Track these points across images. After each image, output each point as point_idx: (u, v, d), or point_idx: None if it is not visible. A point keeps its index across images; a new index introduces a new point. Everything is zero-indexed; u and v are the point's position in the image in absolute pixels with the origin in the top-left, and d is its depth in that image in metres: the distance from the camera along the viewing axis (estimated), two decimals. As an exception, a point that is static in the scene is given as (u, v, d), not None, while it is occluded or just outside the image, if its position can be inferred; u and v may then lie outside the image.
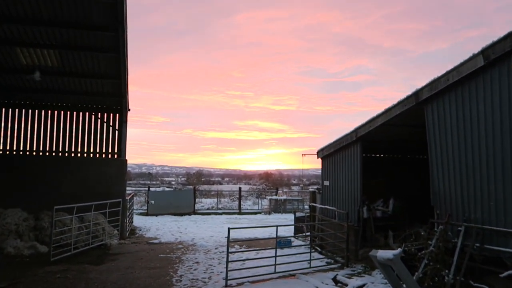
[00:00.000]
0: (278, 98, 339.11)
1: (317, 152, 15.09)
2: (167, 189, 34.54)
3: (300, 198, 28.55)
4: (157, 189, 32.53)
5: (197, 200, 28.84)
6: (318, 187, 18.24)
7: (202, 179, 68.10)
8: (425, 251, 7.56)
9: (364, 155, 14.28)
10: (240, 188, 27.71)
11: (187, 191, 25.96)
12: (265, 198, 29.09)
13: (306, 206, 25.24)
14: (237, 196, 29.08)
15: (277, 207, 25.57)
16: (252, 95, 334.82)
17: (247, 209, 26.82)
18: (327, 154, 14.17)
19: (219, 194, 31.81)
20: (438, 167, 8.39)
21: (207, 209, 26.59)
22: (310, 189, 18.33)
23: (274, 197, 26.48)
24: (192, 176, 61.63)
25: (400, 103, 9.38)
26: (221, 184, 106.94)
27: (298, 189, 45.51)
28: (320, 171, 14.82)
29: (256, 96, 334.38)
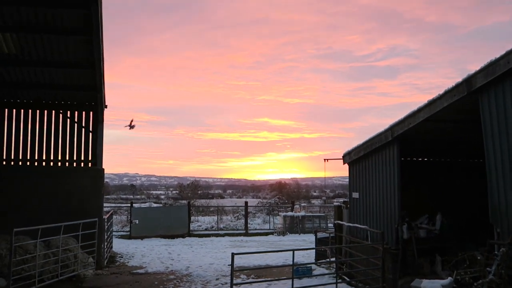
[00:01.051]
0: (292, 89, 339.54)
1: (343, 156, 15.03)
2: (155, 205, 34.68)
3: (323, 214, 28.47)
4: (142, 205, 32.69)
5: (192, 218, 28.89)
6: (345, 200, 18.16)
7: (199, 192, 68.29)
8: (483, 280, 7.47)
9: (402, 159, 14.20)
10: (246, 203, 27.70)
11: (180, 208, 26.03)
12: (278, 215, 29.07)
13: (330, 225, 25.13)
14: (243, 213, 29.08)
15: (293, 226, 25.52)
16: (260, 85, 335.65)
17: (255, 229, 26.82)
18: (355, 159, 14.11)
19: (220, 211, 31.89)
20: (498, 174, 8.27)
21: (205, 229, 26.63)
22: (335, 203, 18.27)
23: (290, 213, 26.45)
24: (186, 189, 61.89)
25: (447, 92, 9.30)
26: (222, 198, 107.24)
27: (320, 203, 45.46)
28: (347, 180, 14.77)
29: (265, 86, 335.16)
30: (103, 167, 15.67)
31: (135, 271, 14.29)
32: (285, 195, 58.41)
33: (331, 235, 15.94)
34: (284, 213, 26.64)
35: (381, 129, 12.34)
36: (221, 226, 27.55)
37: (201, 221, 29.56)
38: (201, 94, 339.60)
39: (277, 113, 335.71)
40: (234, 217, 31.02)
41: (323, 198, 50.03)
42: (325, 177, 34.32)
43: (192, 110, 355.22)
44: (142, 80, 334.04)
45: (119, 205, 48.38)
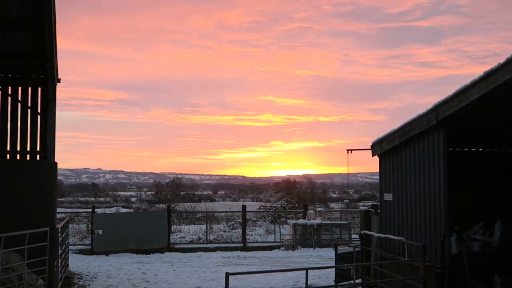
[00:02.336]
0: (304, 57, 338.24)
1: (371, 146, 15.02)
2: (124, 210, 34.60)
3: (345, 222, 28.48)
4: (108, 211, 32.69)
5: (173, 228, 28.91)
6: (374, 203, 18.15)
7: (182, 194, 68.30)
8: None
9: (450, 149, 14.19)
10: (244, 208, 27.75)
11: (157, 214, 26.09)
12: (286, 223, 29.10)
13: (355, 236, 25.14)
14: (240, 220, 29.12)
15: (305, 238, 25.59)
16: (262, 52, 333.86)
17: (256, 242, 26.91)
18: (388, 150, 14.11)
19: (209, 218, 31.93)
20: None
21: (191, 242, 26.70)
22: (361, 208, 18.26)
23: (301, 221, 26.51)
24: (164, 189, 61.89)
25: (510, 62, 9.27)
26: (212, 200, 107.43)
27: (341, 208, 45.45)
28: (377, 177, 14.78)
29: (268, 53, 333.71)
30: (56, 160, 15.69)
31: (98, 297, 14.36)
32: (295, 197, 58.54)
33: (356, 249, 15.96)
34: (294, 221, 26.69)
35: (421, 110, 12.33)
36: (211, 237, 27.60)
37: (185, 231, 29.63)
38: (183, 65, 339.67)
39: (284, 89, 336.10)
40: (228, 226, 31.09)
41: (345, 201, 50.01)
42: (348, 174, 33.67)
43: (172, 86, 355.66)
44: (105, 46, 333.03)
45: (76, 210, 48.45)
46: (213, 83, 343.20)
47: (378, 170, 14.89)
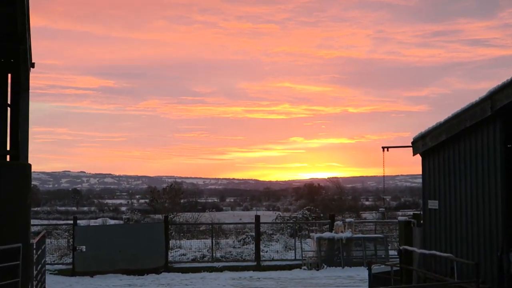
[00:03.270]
0: (329, 35, 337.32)
1: (412, 143, 14.95)
2: (112, 222, 34.51)
3: (380, 235, 28.30)
4: (93, 223, 32.71)
5: (172, 243, 28.89)
6: (416, 212, 18.06)
7: (182, 201, 68.42)
8: None
9: (509, 145, 14.10)
10: (257, 218, 27.76)
11: (153, 227, 26.11)
12: (309, 236, 29.06)
13: (393, 252, 25.03)
14: (252, 233, 29.08)
15: (332, 255, 25.52)
16: (277, 30, 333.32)
17: (272, 260, 26.97)
18: (433, 147, 14.04)
19: (215, 231, 31.89)
20: None
21: (193, 260, 26.72)
22: (400, 218, 18.20)
23: (327, 234, 26.48)
24: (161, 196, 61.89)
25: None
26: (219, 210, 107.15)
27: (376, 218, 45.17)
28: (420, 180, 14.70)
29: (284, 32, 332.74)
30: (30, 162, 15.75)
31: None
32: (319, 205, 58.47)
33: (394, 268, 15.93)
34: (319, 234, 26.65)
35: (473, 98, 12.28)
36: (218, 255, 27.61)
37: (186, 247, 29.65)
38: (183, 45, 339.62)
39: (304, 74, 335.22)
40: (239, 241, 31.09)
41: (380, 209, 49.93)
42: (383, 176, 33.88)
43: (170, 71, 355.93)
44: (89, 23, 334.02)
45: (55, 222, 48.51)
46: (219, 67, 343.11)
47: (420, 172, 14.84)
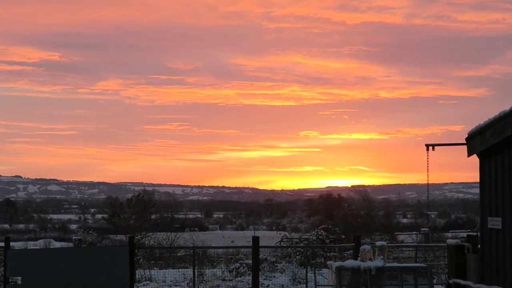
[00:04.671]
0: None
1: (467, 140, 14.97)
2: (58, 244, 34.30)
3: (423, 265, 28.26)
4: (32, 246, 32.52)
5: (139, 273, 28.96)
6: (472, 233, 18.02)
7: (152, 217, 68.33)
8: None
9: None
10: (256, 240, 27.80)
11: (113, 251, 26.02)
12: (326, 265, 29.11)
13: (440, 287, 25.07)
14: (249, 261, 29.13)
15: (358, 291, 25.61)
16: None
17: (276, 297, 26.95)
18: (495, 145, 14.06)
19: (199, 258, 31.88)
20: None
21: (168, 297, 26.84)
22: (450, 241, 18.24)
23: (350, 263, 26.47)
24: (124, 210, 61.99)
25: None
26: (204, 229, 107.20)
27: (417, 241, 45.17)
28: (478, 190, 14.71)
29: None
30: None
31: None
32: (340, 223, 58.68)
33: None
34: (339, 263, 26.66)
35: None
36: (202, 289, 27.75)
37: (159, 280, 29.77)
38: (155, 6, 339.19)
39: (320, 45, 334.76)
40: (230, 272, 31.19)
41: (423, 230, 49.82)
42: (427, 185, 33.54)
43: (137, 40, 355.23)
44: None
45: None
46: (203, 35, 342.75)
47: (477, 179, 14.85)
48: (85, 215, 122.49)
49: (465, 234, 19.20)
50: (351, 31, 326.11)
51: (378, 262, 26.30)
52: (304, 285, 28.15)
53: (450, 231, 71.86)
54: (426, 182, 29.61)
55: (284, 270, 32.62)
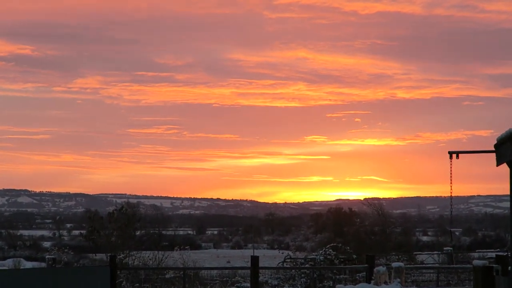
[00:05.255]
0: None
1: (496, 146, 14.94)
2: (30, 264, 34.06)
3: (445, 288, 28.26)
4: (-1, 266, 32.36)
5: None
6: (501, 253, 17.97)
7: (137, 233, 68.21)
8: None
9: None
10: (255, 260, 27.77)
11: (92, 272, 25.99)
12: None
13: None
14: (247, 284, 29.08)
15: (371, 319, 25.52)
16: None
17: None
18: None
19: (190, 280, 31.84)
20: None
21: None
22: (476, 262, 18.23)
23: (363, 286, 26.48)
24: (105, 225, 61.88)
25: None
26: (197, 247, 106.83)
27: (439, 261, 45.03)
28: (508, 204, 14.69)
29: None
30: None
31: None
32: (351, 241, 58.56)
33: None
34: (350, 287, 26.69)
35: None
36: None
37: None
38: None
39: (328, 38, 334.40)
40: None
41: (446, 249, 49.92)
42: (451, 197, 33.45)
43: (121, 32, 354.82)
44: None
45: None
46: (196, 26, 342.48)
47: (508, 192, 14.79)
48: (60, 231, 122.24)
49: (493, 254, 19.14)
50: (363, 22, 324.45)
51: (394, 286, 26.26)
52: (311, 312, 28.12)
53: (477, 250, 71.73)
54: (450, 195, 29.39)
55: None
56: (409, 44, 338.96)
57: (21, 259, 39.57)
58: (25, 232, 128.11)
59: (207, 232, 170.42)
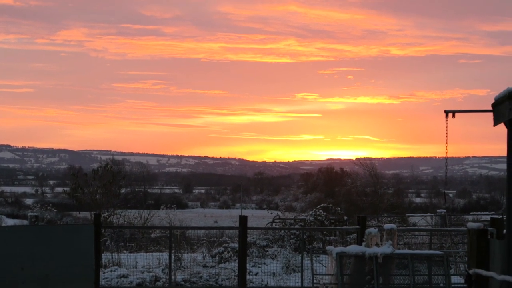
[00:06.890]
0: None
1: (493, 106, 14.95)
2: (11, 222, 34.15)
3: (438, 252, 28.26)
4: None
5: (106, 257, 29.00)
6: (496, 215, 18.04)
7: (122, 191, 68.19)
8: None
9: None
10: (243, 220, 27.81)
11: (76, 231, 26.03)
12: (325, 251, 29.19)
13: (458, 279, 25.18)
14: (234, 244, 29.15)
15: (362, 281, 25.61)
16: None
17: (266, 287, 27.21)
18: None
19: (176, 240, 31.88)
20: None
21: (139, 285, 26.85)
22: (470, 225, 18.28)
23: (353, 248, 26.49)
24: (89, 182, 61.92)
25: None
26: (183, 207, 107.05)
27: (433, 224, 45.23)
28: (505, 165, 14.71)
29: None
30: None
31: None
32: (342, 202, 58.78)
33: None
34: (340, 249, 26.70)
35: None
36: (180, 278, 27.75)
37: (129, 265, 29.77)
38: None
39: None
40: (213, 257, 31.22)
41: (439, 211, 50.11)
42: (446, 158, 33.43)
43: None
44: None
45: None
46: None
47: (505, 153, 14.78)
48: (43, 188, 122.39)
49: (488, 217, 19.16)
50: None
51: (386, 248, 26.30)
52: (299, 274, 28.14)
53: (471, 213, 71.96)
54: (444, 156, 29.28)
55: (276, 255, 32.64)
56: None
57: (3, 216, 39.62)
58: (7, 189, 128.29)
59: (194, 191, 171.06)
